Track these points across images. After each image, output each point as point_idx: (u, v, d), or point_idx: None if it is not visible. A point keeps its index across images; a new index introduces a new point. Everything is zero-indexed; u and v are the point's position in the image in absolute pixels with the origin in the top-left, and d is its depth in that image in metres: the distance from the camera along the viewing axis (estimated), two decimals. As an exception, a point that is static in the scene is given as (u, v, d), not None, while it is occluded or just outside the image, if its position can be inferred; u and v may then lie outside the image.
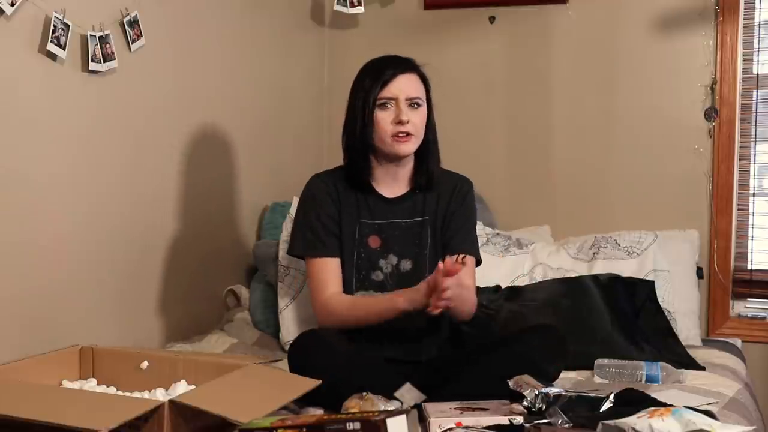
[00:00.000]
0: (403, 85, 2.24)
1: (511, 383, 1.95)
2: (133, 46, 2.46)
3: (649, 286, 2.72)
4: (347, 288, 2.30)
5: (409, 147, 2.26)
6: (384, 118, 2.23)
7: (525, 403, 1.88)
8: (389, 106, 2.23)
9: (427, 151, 2.31)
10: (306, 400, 1.94)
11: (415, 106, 2.25)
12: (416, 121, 2.24)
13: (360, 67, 2.36)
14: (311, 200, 2.33)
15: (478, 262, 2.40)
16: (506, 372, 2.00)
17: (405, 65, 2.29)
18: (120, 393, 1.98)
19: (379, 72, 2.26)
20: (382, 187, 2.33)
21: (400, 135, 2.23)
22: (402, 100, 2.23)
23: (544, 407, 1.87)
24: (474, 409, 1.92)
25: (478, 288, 2.69)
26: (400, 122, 2.22)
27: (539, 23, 3.23)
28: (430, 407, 1.94)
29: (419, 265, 2.31)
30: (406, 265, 2.31)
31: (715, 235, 3.05)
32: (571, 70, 3.22)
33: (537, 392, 1.88)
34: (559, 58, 3.23)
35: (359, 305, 2.26)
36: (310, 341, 2.12)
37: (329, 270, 2.29)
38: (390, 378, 2.05)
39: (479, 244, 2.43)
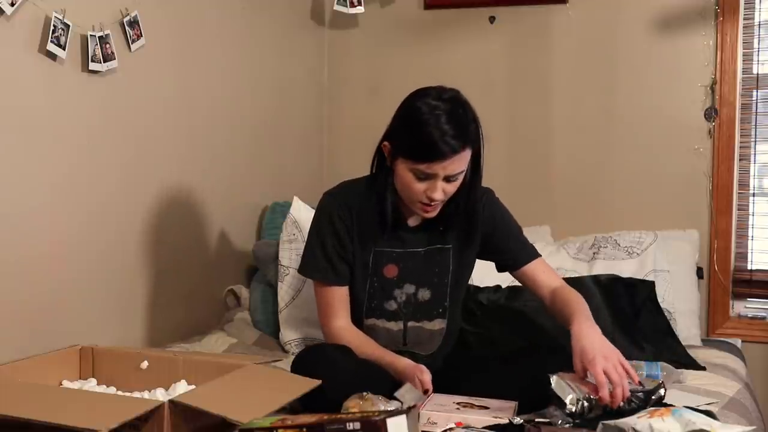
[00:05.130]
0: (450, 166, 1.99)
1: (552, 382, 1.83)
2: (133, 46, 2.46)
3: (649, 286, 2.72)
4: (357, 314, 2.23)
5: (433, 214, 2.10)
6: (416, 187, 2.03)
7: (567, 410, 1.80)
8: (424, 178, 2.02)
9: (458, 196, 2.12)
10: (306, 402, 1.94)
11: (453, 179, 2.04)
12: (449, 190, 2.05)
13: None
14: (327, 223, 2.19)
15: (535, 254, 2.29)
16: (511, 389, 1.98)
17: (462, 141, 1.99)
18: (120, 393, 1.98)
19: (428, 145, 1.97)
20: (403, 216, 2.20)
21: (427, 205, 2.06)
22: (441, 178, 2.01)
23: (586, 411, 1.80)
24: (474, 406, 1.92)
25: (478, 288, 2.70)
26: (431, 198, 2.04)
27: (539, 23, 3.24)
28: (432, 400, 1.95)
29: (438, 295, 2.22)
30: (425, 294, 2.21)
31: (715, 235, 3.05)
32: (571, 70, 3.22)
33: (578, 397, 1.80)
34: (559, 58, 3.23)
35: (366, 350, 2.15)
36: (314, 357, 2.08)
37: (340, 299, 2.21)
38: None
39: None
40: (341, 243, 2.19)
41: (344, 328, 2.21)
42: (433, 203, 2.05)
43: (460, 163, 2.01)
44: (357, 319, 2.24)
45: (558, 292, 2.17)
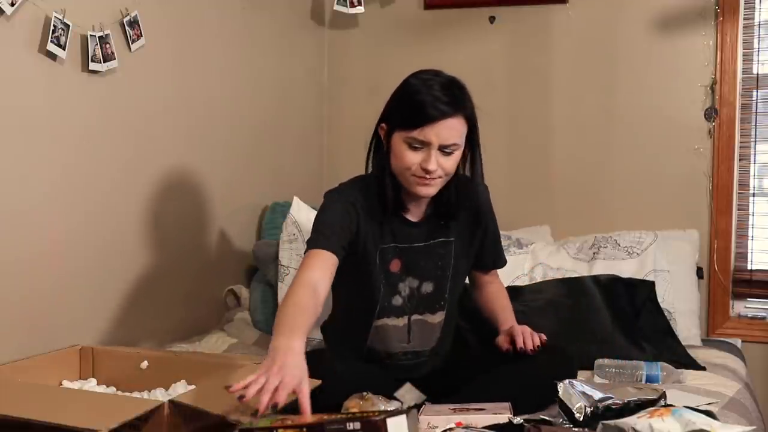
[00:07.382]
0: (442, 132, 1.97)
1: (560, 390, 1.82)
2: (133, 46, 2.46)
3: (649, 286, 2.72)
4: (369, 314, 2.15)
5: (430, 191, 2.04)
6: (410, 158, 1.99)
7: (574, 417, 1.78)
8: (419, 147, 1.98)
9: (454, 184, 2.10)
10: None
11: (448, 151, 2.00)
12: (446, 165, 2.01)
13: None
14: (339, 205, 2.07)
15: (505, 263, 2.37)
16: (511, 389, 1.98)
17: (453, 106, 1.98)
18: (120, 393, 1.98)
19: (419, 109, 1.97)
20: (405, 210, 2.14)
21: (423, 178, 2.01)
22: (435, 146, 1.97)
23: (592, 415, 1.78)
24: (470, 410, 1.92)
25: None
26: (425, 170, 1.99)
27: (539, 23, 3.24)
28: (428, 408, 1.94)
29: (440, 288, 2.20)
30: (428, 287, 2.19)
31: (715, 235, 3.05)
32: (571, 69, 3.22)
33: (584, 405, 1.78)
34: (559, 58, 3.23)
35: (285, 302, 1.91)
36: (312, 361, 2.04)
37: (323, 259, 1.98)
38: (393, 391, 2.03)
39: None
40: (348, 225, 2.06)
41: (311, 279, 1.93)
42: (429, 176, 2.00)
43: (452, 131, 1.99)
44: (365, 322, 2.17)
45: (491, 286, 2.35)
